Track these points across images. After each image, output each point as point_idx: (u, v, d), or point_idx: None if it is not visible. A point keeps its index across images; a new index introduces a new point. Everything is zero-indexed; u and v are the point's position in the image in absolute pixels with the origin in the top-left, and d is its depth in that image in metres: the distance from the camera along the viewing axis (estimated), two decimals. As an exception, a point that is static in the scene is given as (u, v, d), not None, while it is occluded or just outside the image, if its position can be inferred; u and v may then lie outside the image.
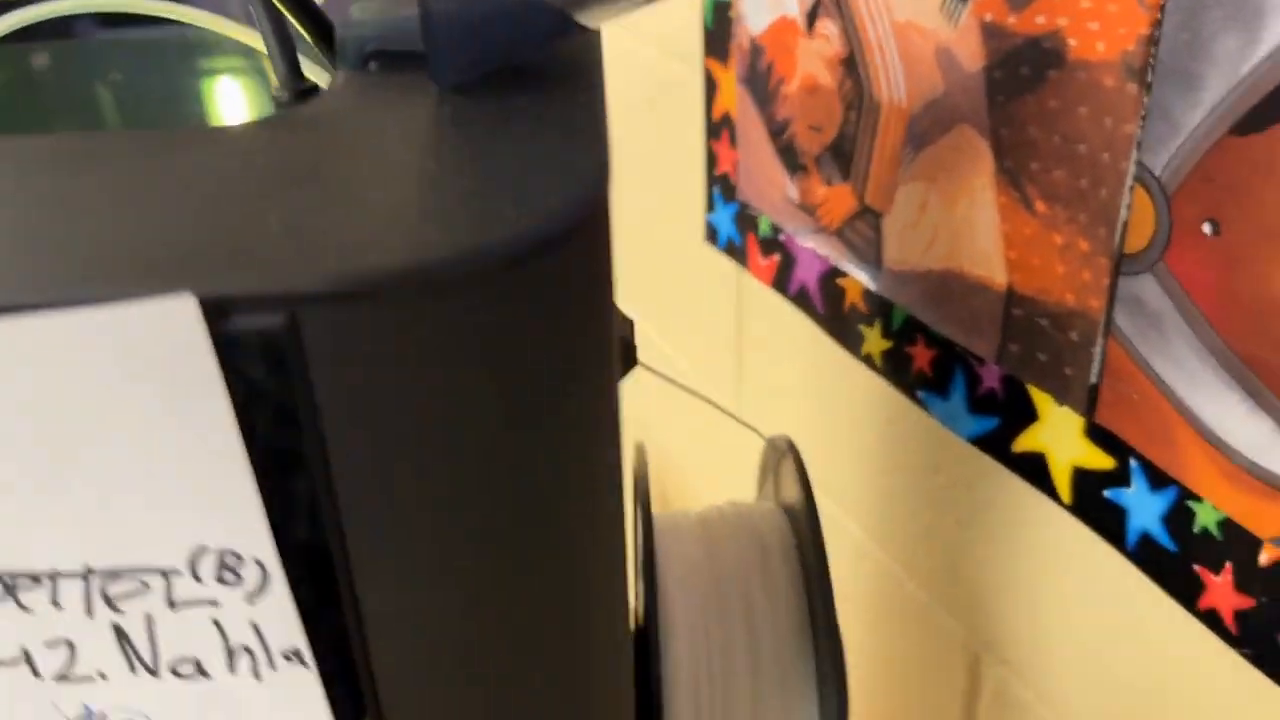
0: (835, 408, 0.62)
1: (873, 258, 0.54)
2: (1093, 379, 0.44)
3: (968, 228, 0.48)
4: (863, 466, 0.62)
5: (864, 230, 0.55)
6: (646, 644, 0.42)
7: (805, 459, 0.68)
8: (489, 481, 0.24)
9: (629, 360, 0.40)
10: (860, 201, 0.54)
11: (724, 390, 0.73)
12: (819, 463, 0.66)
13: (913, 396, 0.55)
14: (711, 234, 0.68)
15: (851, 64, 0.52)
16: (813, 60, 0.55)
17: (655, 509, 0.47)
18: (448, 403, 0.22)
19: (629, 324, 0.41)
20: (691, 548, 0.47)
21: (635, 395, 0.98)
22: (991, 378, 0.49)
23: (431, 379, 0.22)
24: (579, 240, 0.23)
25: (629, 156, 0.77)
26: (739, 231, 0.65)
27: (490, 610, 0.25)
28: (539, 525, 0.25)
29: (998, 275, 0.47)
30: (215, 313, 0.20)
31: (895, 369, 0.55)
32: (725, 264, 0.68)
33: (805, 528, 0.44)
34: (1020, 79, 0.43)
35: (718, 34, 0.61)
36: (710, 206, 0.67)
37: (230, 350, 0.21)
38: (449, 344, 0.22)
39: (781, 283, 0.63)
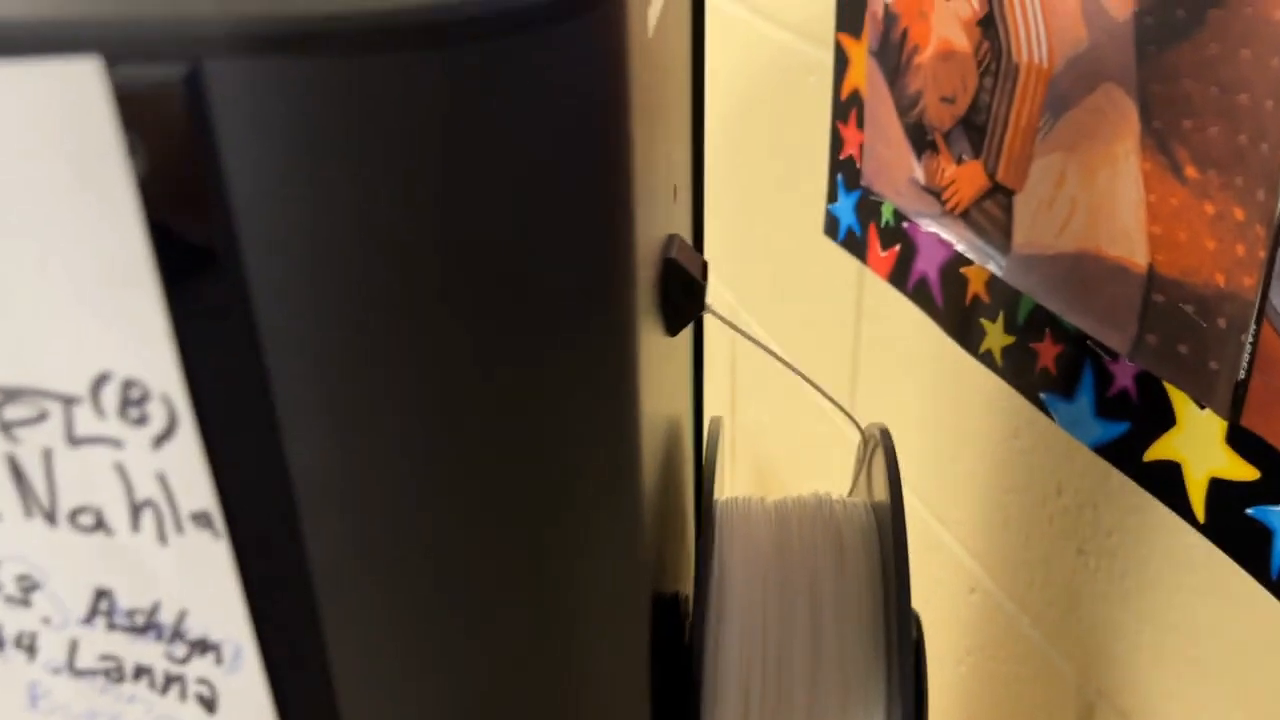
0: (951, 421, 0.56)
1: (1001, 242, 0.49)
2: (1241, 373, 0.37)
3: (1108, 202, 0.42)
4: (978, 487, 0.56)
5: (993, 211, 0.49)
6: (695, 633, 0.37)
7: (918, 481, 0.62)
8: (432, 299, 0.20)
9: (693, 302, 0.35)
10: (991, 179, 0.49)
11: (837, 398, 0.67)
12: (932, 484, 0.60)
13: (1035, 400, 0.49)
14: (832, 226, 0.63)
15: (990, 23, 0.47)
16: (949, 23, 0.50)
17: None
18: (379, 188, 0.18)
19: (699, 262, 0.37)
20: (760, 533, 0.42)
21: (741, 384, 0.92)
22: (1125, 376, 0.43)
23: (359, 157, 0.18)
24: (553, 26, 0.19)
25: (753, 147, 0.73)
26: (859, 221, 0.60)
27: (441, 468, 0.21)
28: (497, 366, 0.21)
29: (1138, 255, 0.41)
30: (110, 63, 0.17)
31: (1017, 368, 0.49)
32: (845, 261, 0.63)
33: (889, 525, 0.39)
34: (1175, 24, 0.38)
35: (851, 4, 0.57)
36: (832, 196, 0.63)
37: (129, 110, 0.17)
38: (381, 119, 0.18)
39: (900, 276, 0.57)
